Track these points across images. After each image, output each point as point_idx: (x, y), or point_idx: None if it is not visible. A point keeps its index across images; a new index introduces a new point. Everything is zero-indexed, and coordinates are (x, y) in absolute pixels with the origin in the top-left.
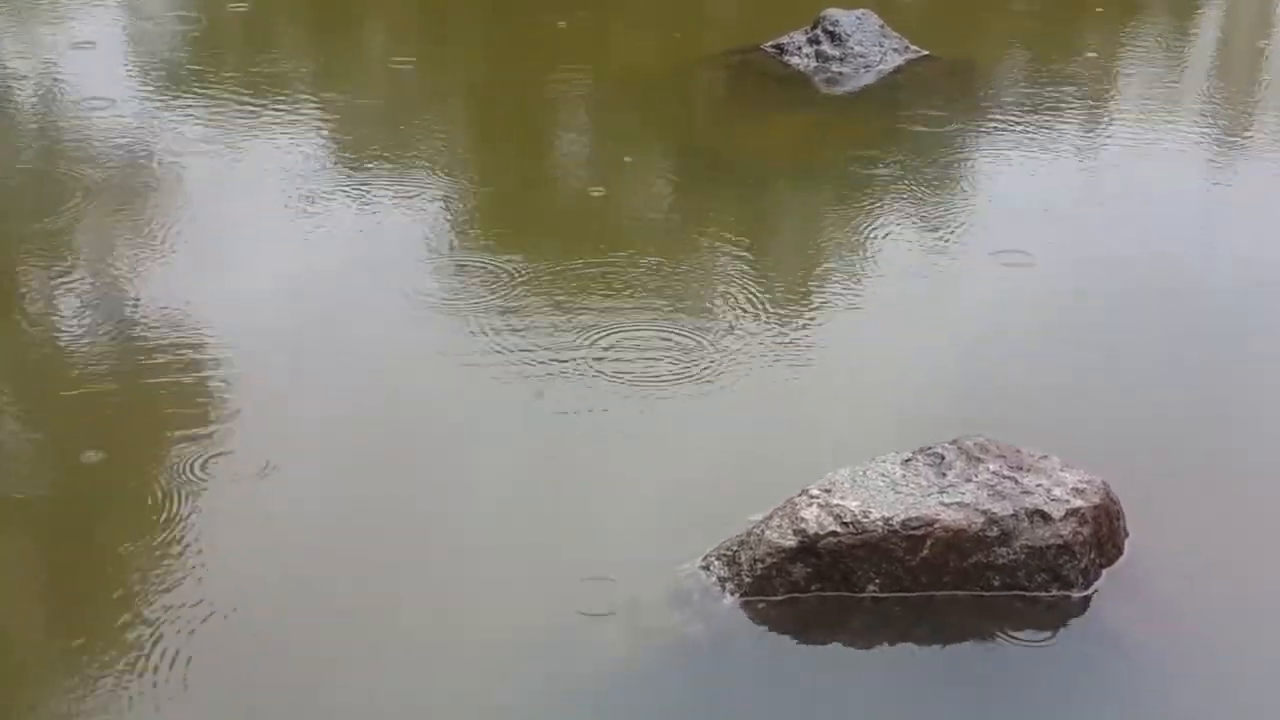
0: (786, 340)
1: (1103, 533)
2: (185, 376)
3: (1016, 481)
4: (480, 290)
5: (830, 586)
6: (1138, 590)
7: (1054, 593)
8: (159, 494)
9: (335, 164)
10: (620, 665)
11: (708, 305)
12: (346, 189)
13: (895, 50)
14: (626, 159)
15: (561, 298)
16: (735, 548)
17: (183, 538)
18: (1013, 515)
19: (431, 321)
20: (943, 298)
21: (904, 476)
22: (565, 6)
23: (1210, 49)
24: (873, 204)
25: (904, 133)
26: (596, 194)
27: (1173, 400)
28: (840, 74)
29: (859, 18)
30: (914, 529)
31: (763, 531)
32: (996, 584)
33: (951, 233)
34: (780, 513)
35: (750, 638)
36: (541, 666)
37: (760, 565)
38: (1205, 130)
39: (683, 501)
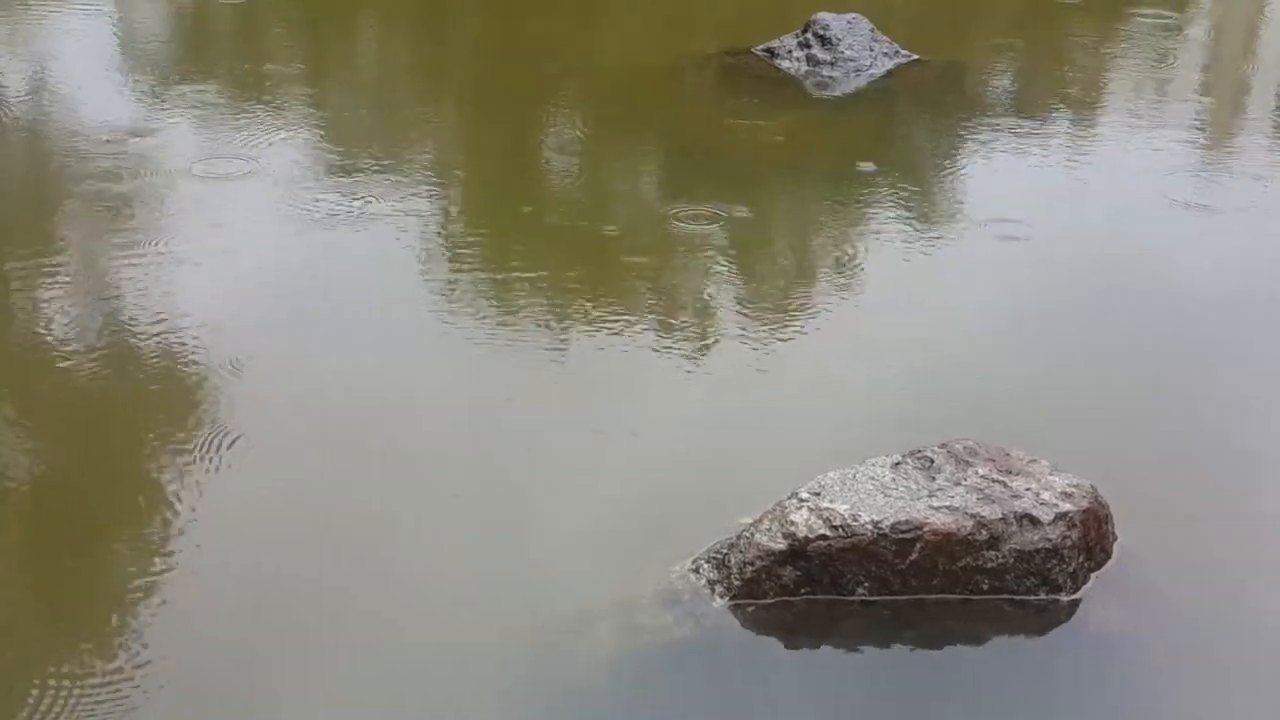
0: (774, 341)
1: (1091, 536)
2: (177, 374)
3: (1005, 485)
4: (471, 290)
5: (820, 589)
6: (1126, 594)
7: (1042, 596)
8: (154, 491)
9: (325, 162)
10: (609, 667)
11: (695, 306)
12: (336, 187)
13: (886, 54)
14: (615, 159)
15: (552, 296)
16: (725, 550)
17: (171, 535)
18: (1001, 519)
19: (424, 324)
20: (932, 300)
21: (893, 480)
22: (557, 7)
23: (1201, 51)
24: (862, 206)
25: (894, 136)
26: (586, 193)
27: (1162, 404)
28: (831, 78)
29: (850, 22)
30: (903, 532)
31: (752, 534)
32: (985, 587)
33: (940, 235)
34: (770, 516)
35: (739, 640)
36: (531, 668)
37: (750, 568)
38: (1195, 132)
39: (673, 504)
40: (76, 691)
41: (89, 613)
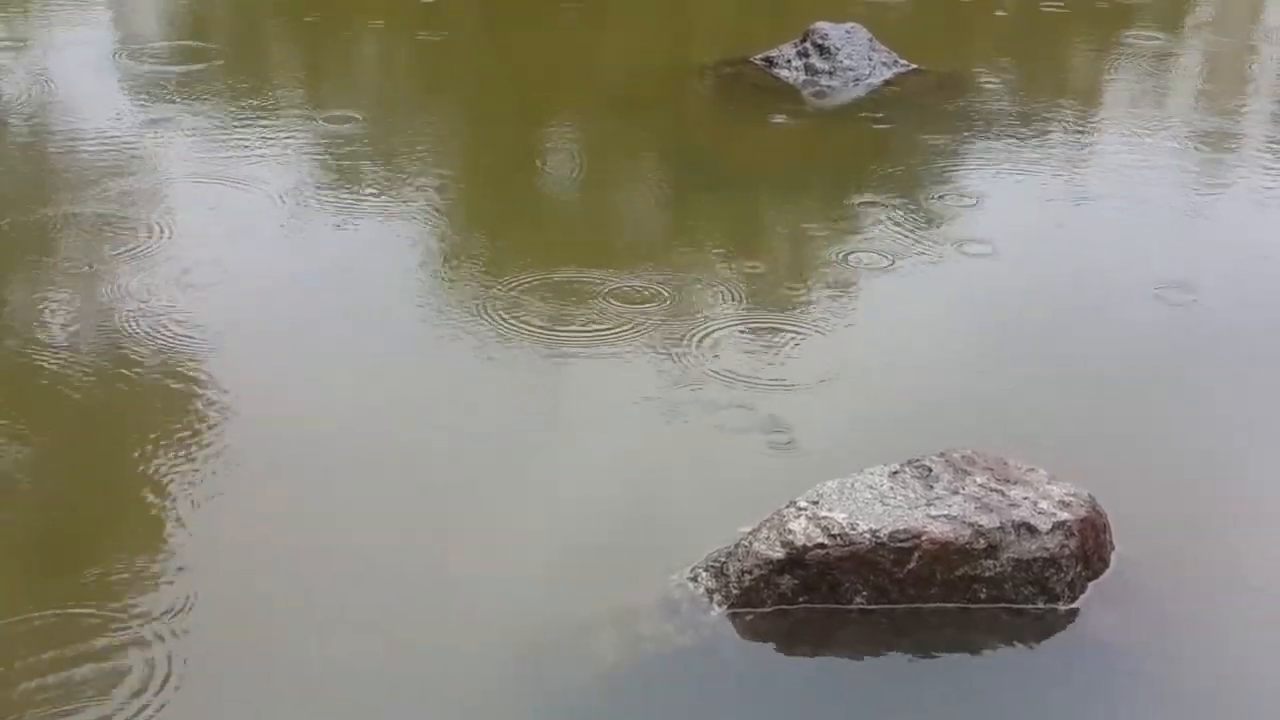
0: (771, 351)
1: (1089, 545)
2: (174, 378)
3: (1003, 494)
4: (471, 299)
5: (817, 598)
6: (1123, 603)
7: (1040, 605)
8: (153, 494)
9: (322, 170)
10: (607, 676)
11: (691, 315)
12: (333, 195)
13: (884, 64)
14: (612, 169)
15: (550, 304)
16: (723, 559)
17: (172, 535)
18: (999, 528)
19: (423, 328)
20: (929, 310)
21: (891, 489)
22: (551, 19)
23: (1199, 59)
24: (859, 215)
25: (891, 145)
26: (584, 202)
27: (1159, 413)
28: (829, 87)
29: (848, 31)
30: (901, 541)
31: (750, 543)
32: (983, 596)
33: (938, 246)
34: (768, 524)
35: (737, 649)
36: (529, 677)
37: (748, 577)
38: (1195, 141)
39: (671, 513)
40: (77, 695)
41: (88, 618)
